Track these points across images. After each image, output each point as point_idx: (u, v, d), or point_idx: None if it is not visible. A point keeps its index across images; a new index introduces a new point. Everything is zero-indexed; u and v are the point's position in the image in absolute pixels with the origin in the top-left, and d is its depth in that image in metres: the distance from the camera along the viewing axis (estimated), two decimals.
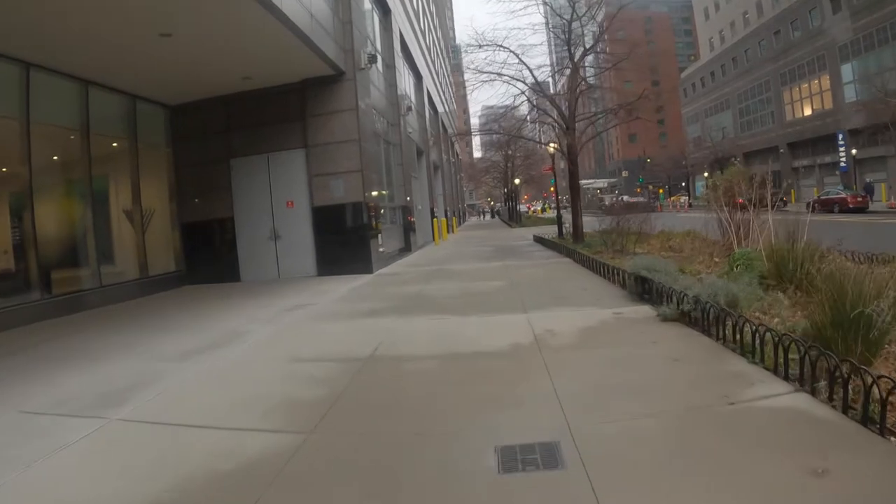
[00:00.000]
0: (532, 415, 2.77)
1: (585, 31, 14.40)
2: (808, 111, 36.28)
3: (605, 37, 13.55)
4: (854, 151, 30.85)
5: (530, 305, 5.64)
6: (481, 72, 13.66)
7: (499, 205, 57.58)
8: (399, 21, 16.21)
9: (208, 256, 10.61)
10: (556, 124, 13.77)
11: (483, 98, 69.64)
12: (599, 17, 15.04)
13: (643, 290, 5.41)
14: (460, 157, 50.37)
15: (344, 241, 10.09)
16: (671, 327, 4.29)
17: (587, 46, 13.95)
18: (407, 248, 14.45)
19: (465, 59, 27.72)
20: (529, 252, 12.62)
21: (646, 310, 4.97)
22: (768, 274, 5.14)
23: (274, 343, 4.92)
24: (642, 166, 60.09)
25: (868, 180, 29.38)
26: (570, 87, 13.32)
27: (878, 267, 4.48)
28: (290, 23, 7.36)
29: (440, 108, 29.07)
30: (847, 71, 31.85)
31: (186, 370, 4.03)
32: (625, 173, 66.63)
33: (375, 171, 11.09)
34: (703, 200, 8.52)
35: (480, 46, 13.67)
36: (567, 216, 16.26)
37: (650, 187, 57.46)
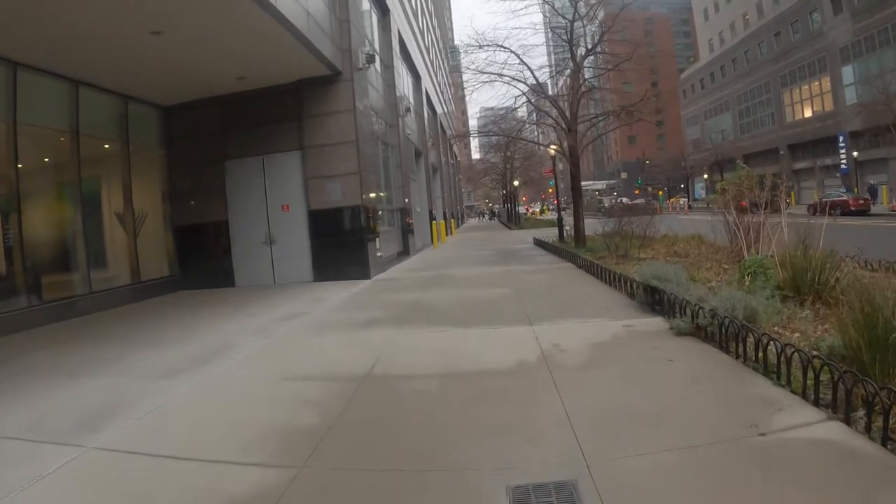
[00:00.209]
0: (544, 446, 2.54)
1: (586, 32, 14.21)
2: (808, 113, 36.18)
3: (606, 37, 13.36)
4: (855, 153, 30.72)
5: (535, 316, 5.40)
6: (482, 72, 13.45)
7: (497, 206, 57.32)
8: (398, 21, 15.96)
9: (202, 261, 10.34)
10: (557, 126, 13.56)
11: (482, 100, 70.08)
12: (600, 17, 14.83)
13: (653, 300, 5.19)
14: (459, 158, 50.11)
15: (341, 246, 9.82)
16: (686, 342, 4.07)
17: (589, 47, 13.75)
18: (405, 252, 14.18)
19: (465, 60, 27.45)
20: (531, 256, 12.38)
21: (658, 322, 4.74)
22: (784, 284, 4.93)
23: (266, 358, 4.66)
24: (641, 168, 59.95)
25: (871, 182, 29.25)
26: (572, 88, 13.10)
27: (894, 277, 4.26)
28: (285, 21, 7.13)
29: (439, 109, 28.81)
30: (848, 73, 31.75)
31: (171, 390, 3.78)
32: (623, 175, 66.47)
33: (373, 173, 10.83)
34: (714, 204, 8.29)
35: (481, 47, 13.46)
36: (567, 218, 16.04)
37: (649, 189, 57.27)
